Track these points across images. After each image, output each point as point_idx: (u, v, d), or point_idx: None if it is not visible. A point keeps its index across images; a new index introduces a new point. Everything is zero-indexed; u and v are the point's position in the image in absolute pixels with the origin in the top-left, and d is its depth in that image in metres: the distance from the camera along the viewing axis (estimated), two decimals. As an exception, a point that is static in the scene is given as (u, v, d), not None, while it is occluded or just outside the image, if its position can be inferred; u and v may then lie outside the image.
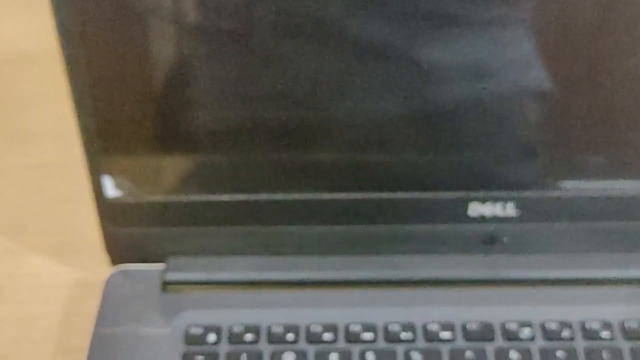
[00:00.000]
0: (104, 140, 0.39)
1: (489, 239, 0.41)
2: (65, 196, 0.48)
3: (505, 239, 0.42)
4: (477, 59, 0.37)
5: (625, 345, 0.38)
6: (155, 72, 0.37)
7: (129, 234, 0.42)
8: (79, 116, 0.38)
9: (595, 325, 0.39)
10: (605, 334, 0.39)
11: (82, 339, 0.40)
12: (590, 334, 0.39)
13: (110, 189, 0.40)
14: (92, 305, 0.41)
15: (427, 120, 0.39)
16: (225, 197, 0.41)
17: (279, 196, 0.41)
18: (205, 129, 0.39)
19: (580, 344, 0.38)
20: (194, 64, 0.37)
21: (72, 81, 0.36)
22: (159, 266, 0.42)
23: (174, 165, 0.41)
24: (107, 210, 0.41)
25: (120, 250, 0.42)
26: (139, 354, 0.38)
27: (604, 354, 0.38)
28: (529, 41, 0.37)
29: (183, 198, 0.41)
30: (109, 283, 0.42)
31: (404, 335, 0.39)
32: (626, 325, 0.39)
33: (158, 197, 0.41)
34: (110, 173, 0.40)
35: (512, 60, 0.37)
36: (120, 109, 0.38)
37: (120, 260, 0.43)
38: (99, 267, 0.43)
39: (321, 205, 0.41)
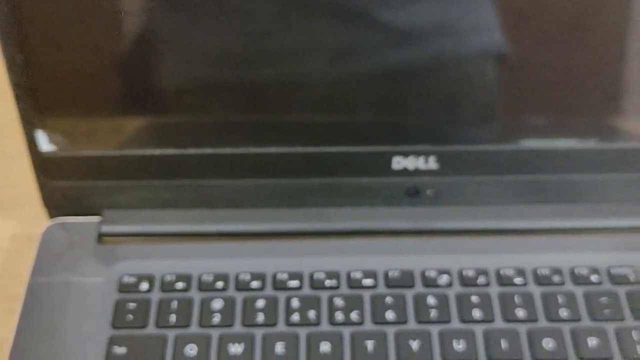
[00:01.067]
0: (36, 95, 0.40)
1: (413, 191, 0.43)
2: (3, 152, 0.49)
3: (428, 192, 0.43)
4: (404, 17, 0.38)
5: (536, 290, 0.40)
6: (87, 26, 0.38)
7: (65, 187, 0.43)
8: (10, 70, 0.38)
9: (509, 272, 0.41)
10: (518, 280, 0.41)
11: (21, 288, 0.41)
12: (504, 280, 0.41)
13: (45, 143, 0.41)
14: (30, 257, 0.42)
15: (353, 78, 0.40)
16: (158, 151, 0.42)
17: (210, 150, 0.42)
18: (138, 85, 0.40)
19: (495, 290, 0.40)
20: (127, 17, 0.38)
21: (2, 35, 0.37)
22: (95, 219, 0.43)
23: (108, 120, 0.42)
24: (43, 165, 0.42)
25: (57, 203, 0.43)
26: (73, 301, 0.40)
27: (516, 299, 0.40)
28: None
29: (117, 152, 0.42)
30: (45, 235, 0.43)
31: (328, 282, 0.41)
32: (538, 272, 0.41)
33: (92, 151, 0.42)
34: (44, 128, 0.41)
35: (446, 20, 0.39)
36: (52, 64, 0.39)
37: (57, 214, 0.44)
38: (38, 221, 0.44)
39: (251, 159, 0.42)
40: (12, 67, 0.38)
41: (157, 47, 0.39)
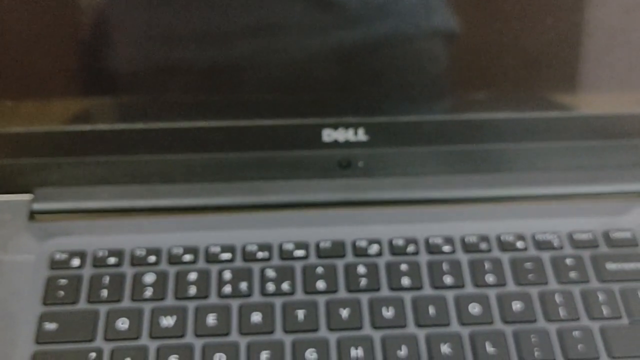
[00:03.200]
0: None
1: (344, 163, 0.44)
2: None
3: (359, 163, 0.44)
4: None
5: (463, 258, 0.41)
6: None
7: (-7, 165, 0.42)
8: None
9: (438, 241, 0.42)
10: (446, 248, 0.42)
11: (-51, 268, 0.40)
12: (433, 249, 0.42)
13: (-30, 120, 0.40)
14: (-41, 236, 0.42)
15: (284, 53, 0.40)
16: (89, 127, 0.42)
17: (141, 125, 0.42)
18: (67, 59, 0.40)
19: (424, 258, 0.41)
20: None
21: None
22: (26, 197, 0.43)
23: (36, 96, 0.41)
24: (-31, 142, 0.41)
25: (-14, 181, 0.43)
26: (3, 279, 0.40)
27: (444, 266, 0.41)
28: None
29: (47, 128, 0.42)
30: (-26, 213, 0.42)
31: (260, 254, 0.41)
32: (466, 239, 0.42)
33: (21, 128, 0.41)
34: (-31, 105, 0.40)
35: None
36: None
37: (-13, 192, 0.43)
38: (-33, 200, 0.44)
39: (182, 133, 0.42)
40: None
41: (86, 21, 0.39)
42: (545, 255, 0.41)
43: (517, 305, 0.39)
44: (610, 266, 0.41)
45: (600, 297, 0.40)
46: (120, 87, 0.41)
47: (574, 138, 0.44)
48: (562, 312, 0.39)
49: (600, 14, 0.41)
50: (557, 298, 0.40)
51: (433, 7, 0.40)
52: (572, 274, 0.41)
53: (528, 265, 0.41)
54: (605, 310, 0.39)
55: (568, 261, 0.41)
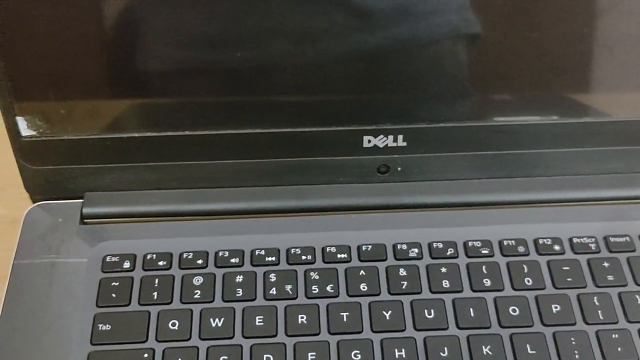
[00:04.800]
0: (14, 80, 0.40)
1: (383, 168, 0.45)
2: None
3: (398, 168, 0.45)
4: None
5: (502, 261, 0.42)
6: (63, 10, 0.39)
7: (46, 171, 0.44)
8: (-12, 56, 0.39)
9: (476, 244, 0.43)
10: (485, 251, 0.43)
11: (4, 271, 0.42)
12: (471, 252, 0.43)
13: (25, 128, 0.42)
14: (13, 240, 0.43)
15: (325, 60, 0.41)
16: (137, 134, 0.43)
17: (188, 132, 0.43)
18: (116, 67, 0.41)
19: (463, 261, 0.42)
20: (105, 1, 0.39)
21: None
22: (77, 201, 0.45)
23: (86, 103, 0.43)
24: (23, 149, 0.43)
25: (39, 187, 0.45)
26: (57, 282, 0.41)
27: (483, 269, 0.42)
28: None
29: (96, 135, 0.43)
30: (28, 217, 0.44)
31: (304, 257, 0.42)
32: (504, 243, 0.43)
33: (72, 135, 0.43)
34: (23, 113, 0.42)
35: (417, 1, 0.40)
36: (29, 49, 0.40)
37: (40, 197, 0.45)
38: (21, 204, 0.46)
39: (228, 140, 0.43)
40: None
41: (133, 29, 0.40)
42: (583, 259, 0.42)
43: (556, 308, 0.40)
44: (649, 269, 0.42)
45: (638, 300, 0.40)
46: (169, 94, 0.42)
47: (612, 143, 0.45)
48: (600, 315, 0.40)
49: (631, 19, 0.42)
50: (596, 301, 0.40)
51: (466, 10, 0.41)
52: (610, 277, 0.41)
53: (566, 268, 0.42)
54: (643, 313, 0.40)
55: (605, 264, 0.42)
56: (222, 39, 0.40)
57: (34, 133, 0.42)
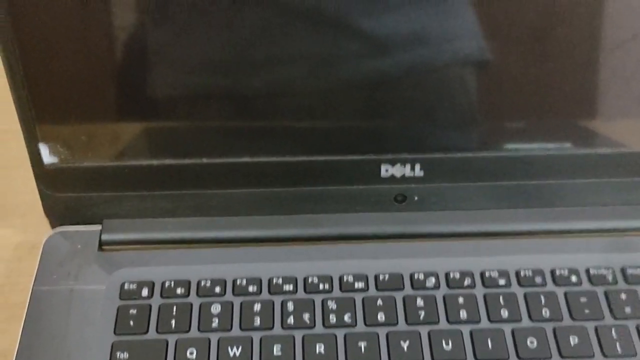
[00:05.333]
0: (38, 108, 0.41)
1: (400, 197, 0.45)
2: (6, 161, 0.51)
3: (415, 197, 0.45)
4: (400, 29, 0.40)
5: (519, 291, 0.42)
6: (84, 40, 0.39)
7: (66, 198, 0.44)
8: (12, 85, 0.40)
9: (493, 274, 0.43)
10: (502, 281, 0.43)
11: (24, 297, 0.42)
12: (488, 282, 0.43)
13: (47, 155, 0.42)
14: (32, 265, 0.44)
15: (342, 89, 0.42)
16: (156, 162, 0.43)
17: (206, 160, 0.44)
18: (136, 97, 0.42)
19: (480, 291, 0.42)
20: (123, 29, 0.40)
21: (3, 50, 0.39)
22: (96, 228, 0.45)
23: (108, 131, 0.43)
24: (45, 176, 0.43)
25: (59, 213, 0.45)
26: (76, 308, 0.41)
27: (501, 300, 0.42)
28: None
29: (117, 163, 0.43)
30: (47, 244, 0.44)
31: (322, 286, 0.42)
32: (521, 273, 0.43)
33: (93, 163, 0.43)
34: (46, 140, 0.42)
35: (427, 28, 0.40)
36: (52, 77, 0.40)
37: (59, 223, 0.45)
38: (40, 229, 0.46)
39: (245, 168, 0.44)
40: (14, 81, 0.40)
41: (152, 59, 0.41)
42: (600, 290, 0.42)
43: (574, 340, 0.40)
44: (666, 302, 0.42)
45: (656, 332, 0.40)
46: (186, 122, 0.43)
47: (628, 174, 0.45)
48: (619, 348, 0.40)
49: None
50: (614, 333, 0.40)
51: (481, 37, 0.41)
52: (628, 310, 0.41)
53: (583, 299, 0.42)
54: (662, 346, 0.40)
55: (623, 296, 0.42)
56: (239, 67, 0.41)
57: (55, 160, 0.42)
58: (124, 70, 0.41)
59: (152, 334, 0.40)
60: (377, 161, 0.44)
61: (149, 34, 0.40)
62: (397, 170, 0.44)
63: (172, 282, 0.42)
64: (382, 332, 0.40)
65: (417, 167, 0.44)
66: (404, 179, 0.44)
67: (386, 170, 0.44)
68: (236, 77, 0.41)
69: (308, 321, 0.41)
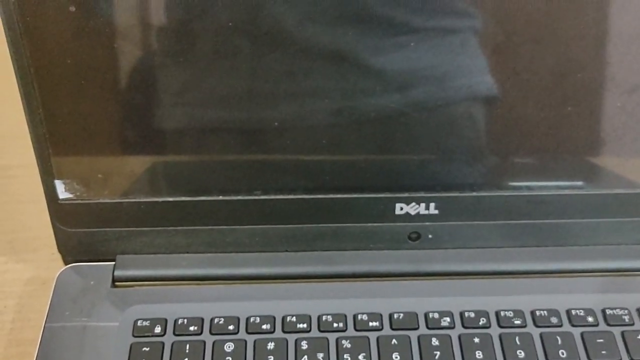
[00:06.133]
0: (55, 144, 0.41)
1: (414, 236, 0.45)
2: (21, 196, 0.51)
3: (429, 236, 0.45)
4: (410, 66, 0.40)
5: (535, 331, 0.42)
6: (100, 79, 0.40)
7: (80, 234, 0.44)
8: (30, 121, 0.40)
9: (508, 314, 0.43)
10: (517, 321, 0.42)
11: (35, 333, 0.42)
12: (504, 322, 0.42)
13: (62, 191, 0.43)
14: (44, 301, 0.43)
15: (357, 130, 0.42)
16: (171, 199, 0.44)
17: (219, 197, 0.44)
18: (151, 135, 0.42)
19: (496, 331, 0.42)
20: (141, 67, 0.40)
21: (21, 86, 0.39)
22: (109, 264, 0.45)
23: (122, 168, 0.43)
24: (59, 212, 0.43)
25: (72, 249, 0.45)
26: (89, 345, 0.41)
27: (517, 340, 0.42)
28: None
29: (131, 200, 0.43)
30: (60, 279, 0.44)
31: (336, 325, 0.42)
32: (537, 313, 0.43)
33: (107, 199, 0.43)
34: (62, 176, 0.42)
35: (439, 68, 0.41)
36: (70, 114, 0.41)
37: (72, 259, 0.45)
38: (52, 265, 0.46)
39: (260, 206, 0.44)
40: (32, 117, 0.40)
41: (168, 96, 0.41)
42: (617, 331, 0.42)
43: (592, 381, 0.40)
44: (683, 343, 0.41)
45: (674, 374, 0.40)
46: (201, 159, 0.43)
47: (637, 214, 0.45)
48: (636, 390, 0.39)
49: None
50: (632, 374, 0.40)
51: (485, 76, 0.41)
52: (645, 351, 0.41)
53: (600, 340, 0.41)
54: (678, 388, 0.39)
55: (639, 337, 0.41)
56: (254, 104, 0.41)
57: (71, 196, 0.42)
58: (139, 106, 0.41)
59: (165, 372, 0.40)
60: (392, 199, 0.44)
61: (165, 71, 0.40)
62: (412, 209, 0.44)
63: (186, 320, 0.42)
64: (397, 372, 0.40)
65: (432, 205, 0.44)
66: (418, 217, 0.44)
67: (401, 209, 0.44)
68: (251, 113, 0.41)
69: (322, 360, 0.40)
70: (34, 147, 0.41)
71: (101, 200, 0.43)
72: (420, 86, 0.41)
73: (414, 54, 0.40)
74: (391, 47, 0.39)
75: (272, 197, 0.44)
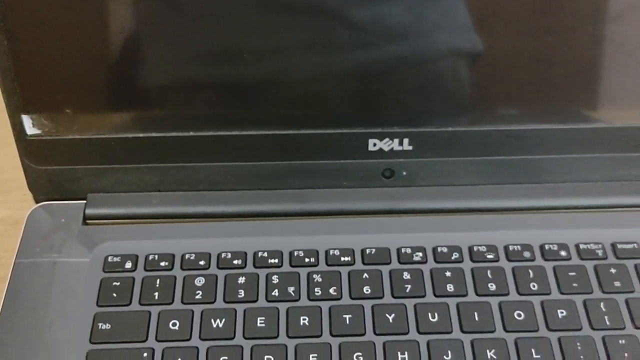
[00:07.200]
0: (22, 80, 0.41)
1: (388, 172, 0.45)
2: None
3: (403, 172, 0.45)
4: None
5: (507, 266, 0.42)
6: (70, 14, 0.39)
7: (50, 171, 0.44)
8: (-5, 56, 0.40)
9: (482, 249, 0.43)
10: (490, 256, 0.42)
11: (5, 271, 0.42)
12: (476, 257, 0.42)
13: (30, 127, 0.42)
14: (16, 240, 0.43)
15: (330, 69, 0.42)
16: (141, 135, 0.43)
17: (191, 134, 0.43)
18: (121, 71, 0.42)
19: (468, 266, 0.42)
20: (108, 6, 0.39)
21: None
22: (80, 202, 0.45)
23: (92, 104, 0.43)
24: (28, 148, 0.43)
25: (42, 187, 0.45)
26: (58, 281, 0.41)
27: (489, 273, 0.41)
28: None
29: (100, 136, 0.43)
30: (31, 217, 0.44)
31: (307, 260, 0.42)
32: (510, 248, 0.43)
33: (76, 135, 0.43)
34: (29, 112, 0.42)
35: (414, 15, 0.40)
36: (37, 50, 0.40)
37: (44, 198, 0.45)
38: (24, 205, 0.45)
39: (232, 142, 0.43)
40: (-3, 51, 0.39)
41: (136, 36, 0.40)
42: (590, 265, 0.42)
43: (562, 314, 0.39)
44: (656, 276, 0.41)
45: (646, 306, 0.40)
46: (171, 97, 0.42)
47: (618, 150, 0.45)
48: (607, 321, 0.39)
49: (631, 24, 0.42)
50: (602, 307, 0.40)
51: (465, 25, 0.41)
52: (617, 284, 0.41)
53: (572, 274, 0.41)
54: (650, 319, 0.39)
55: (612, 270, 0.41)
56: (223, 46, 0.40)
57: (39, 132, 0.42)
58: (108, 40, 0.40)
59: (134, 305, 0.40)
60: (365, 135, 0.43)
61: (133, 13, 0.39)
62: (385, 145, 0.44)
63: (156, 256, 0.42)
64: (367, 304, 0.40)
65: (406, 141, 0.44)
66: (392, 153, 0.44)
67: (374, 145, 0.44)
68: (225, 51, 0.41)
69: (293, 294, 0.40)
70: (0, 83, 0.41)
71: (70, 137, 0.43)
72: (396, 37, 0.40)
73: (391, 8, 0.39)
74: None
75: (244, 133, 0.43)
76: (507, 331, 0.39)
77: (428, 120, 0.43)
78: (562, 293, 0.41)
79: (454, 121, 0.44)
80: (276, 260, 0.42)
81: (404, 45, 0.41)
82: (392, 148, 0.44)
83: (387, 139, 0.43)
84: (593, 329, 0.39)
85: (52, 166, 0.44)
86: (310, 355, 0.38)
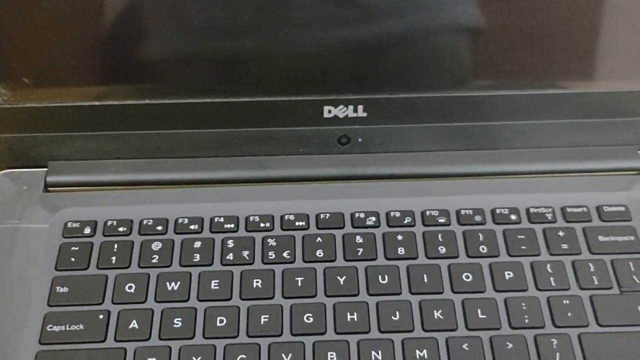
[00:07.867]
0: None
1: (344, 139, 0.45)
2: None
3: (359, 140, 0.45)
4: None
5: (458, 229, 0.43)
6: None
7: (11, 139, 0.45)
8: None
9: (434, 213, 0.43)
10: (442, 220, 0.43)
11: (-32, 237, 0.43)
12: (428, 221, 0.43)
13: (-12, 96, 0.43)
14: (-21, 207, 0.44)
15: (285, 33, 0.42)
16: (98, 103, 0.44)
17: (149, 101, 0.44)
18: (80, 36, 0.42)
19: (420, 229, 0.43)
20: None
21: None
22: (41, 170, 0.45)
23: (49, 72, 0.43)
24: (-12, 117, 0.43)
25: (4, 155, 0.45)
26: (19, 246, 0.42)
27: (440, 237, 0.42)
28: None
29: (58, 104, 0.43)
30: (-8, 185, 0.45)
31: (263, 225, 0.43)
32: (462, 212, 0.43)
33: (35, 103, 0.43)
34: (-12, 80, 0.42)
35: None
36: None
37: (5, 165, 0.46)
38: (-14, 173, 0.46)
39: (188, 109, 0.44)
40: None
41: (90, 2, 0.40)
42: (539, 228, 0.43)
43: (509, 275, 0.40)
44: (602, 238, 0.42)
45: (591, 268, 0.41)
46: (128, 65, 0.43)
47: (570, 116, 0.45)
48: (553, 282, 0.40)
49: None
50: (549, 268, 0.41)
51: None
52: (564, 246, 0.42)
53: (521, 237, 0.42)
54: (596, 281, 0.40)
55: (561, 233, 0.42)
56: (178, 14, 0.41)
57: (-2, 100, 0.42)
58: (64, 9, 0.40)
59: (92, 269, 0.41)
60: (320, 102, 0.44)
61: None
62: (340, 111, 0.44)
63: (115, 221, 0.43)
64: (319, 267, 0.41)
65: (360, 108, 0.44)
66: (347, 120, 0.44)
67: (329, 111, 0.44)
68: (181, 17, 0.41)
69: (247, 257, 0.41)
70: (-43, 51, 0.41)
71: (29, 105, 0.43)
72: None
73: None
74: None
75: (200, 100, 0.44)
76: (455, 292, 0.40)
77: (382, 87, 0.44)
78: (510, 255, 0.42)
79: (408, 88, 0.44)
80: (232, 225, 0.43)
81: (356, 12, 0.41)
82: (347, 115, 0.44)
83: (341, 106, 0.44)
84: (539, 289, 0.40)
85: (13, 134, 0.44)
86: (262, 317, 0.39)
